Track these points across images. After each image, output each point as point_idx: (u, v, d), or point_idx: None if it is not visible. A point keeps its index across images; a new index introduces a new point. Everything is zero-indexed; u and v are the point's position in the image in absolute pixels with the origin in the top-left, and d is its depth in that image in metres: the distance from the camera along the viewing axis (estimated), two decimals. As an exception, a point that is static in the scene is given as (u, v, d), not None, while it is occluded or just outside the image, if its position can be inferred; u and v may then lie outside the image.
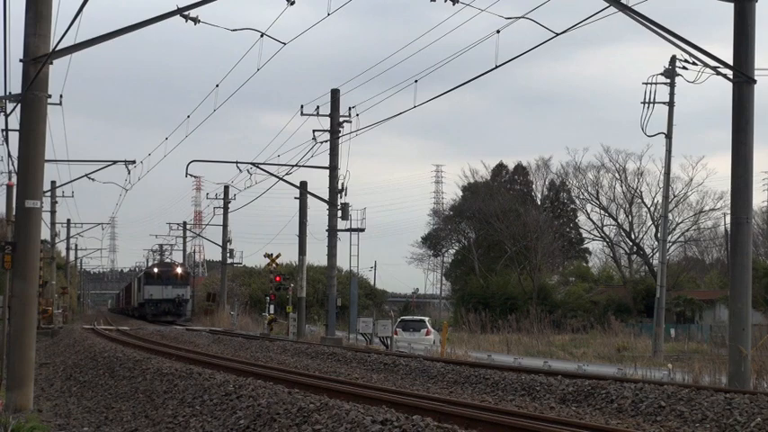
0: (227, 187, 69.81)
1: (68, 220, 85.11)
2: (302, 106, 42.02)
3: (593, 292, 79.83)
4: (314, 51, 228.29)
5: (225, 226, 71.37)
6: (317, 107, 42.10)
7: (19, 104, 16.86)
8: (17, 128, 17.05)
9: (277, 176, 43.98)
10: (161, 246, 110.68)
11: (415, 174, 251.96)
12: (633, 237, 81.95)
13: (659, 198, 68.94)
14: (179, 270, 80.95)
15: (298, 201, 47.90)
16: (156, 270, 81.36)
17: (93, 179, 42.34)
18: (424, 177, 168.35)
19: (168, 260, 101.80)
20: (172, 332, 50.15)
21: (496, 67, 21.57)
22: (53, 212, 68.81)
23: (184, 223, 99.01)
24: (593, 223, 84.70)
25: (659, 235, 55.57)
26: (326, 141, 42.17)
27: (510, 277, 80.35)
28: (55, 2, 16.59)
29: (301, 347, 29.62)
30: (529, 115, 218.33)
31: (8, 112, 24.32)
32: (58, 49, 16.18)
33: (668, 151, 42.54)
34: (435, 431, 10.39)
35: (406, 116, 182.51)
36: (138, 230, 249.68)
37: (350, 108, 41.93)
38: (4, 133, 36.01)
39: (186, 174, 46.52)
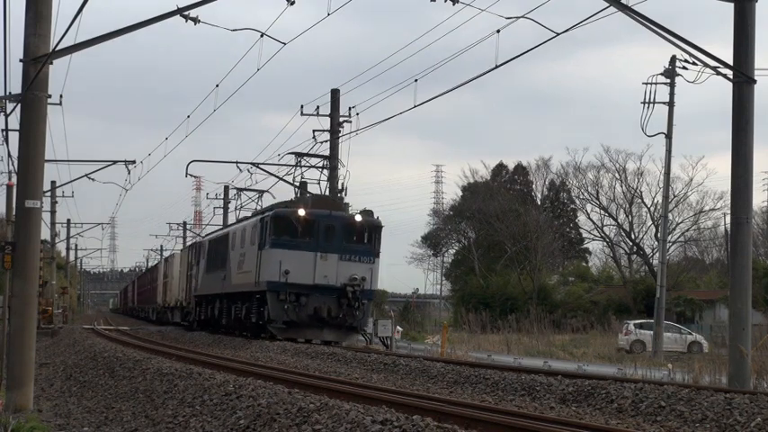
0: (227, 187, 69.69)
1: (68, 220, 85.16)
2: (302, 106, 41.97)
3: (593, 292, 79.85)
4: (314, 51, 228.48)
5: (225, 226, 71.30)
6: (317, 107, 42.08)
7: (19, 104, 16.87)
8: (17, 128, 17.06)
9: (277, 176, 43.97)
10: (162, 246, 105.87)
11: (415, 174, 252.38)
12: (633, 237, 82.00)
13: (659, 198, 69.00)
14: (357, 218, 34.75)
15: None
16: (302, 214, 33.97)
17: (93, 179, 42.42)
18: (424, 177, 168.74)
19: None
20: (172, 332, 50.09)
21: (496, 66, 21.59)
22: (53, 212, 68.80)
23: (184, 223, 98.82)
24: (593, 223, 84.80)
25: (659, 235, 55.61)
26: (326, 141, 42.17)
27: (510, 277, 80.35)
28: (55, 2, 16.60)
29: (301, 347, 29.59)
30: (529, 115, 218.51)
31: (8, 112, 24.36)
32: (58, 49, 16.18)
33: (668, 151, 42.59)
34: (435, 431, 10.38)
35: (406, 116, 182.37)
36: (138, 230, 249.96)
37: (350, 108, 41.86)
38: (4, 133, 36.05)
39: (186, 174, 46.36)
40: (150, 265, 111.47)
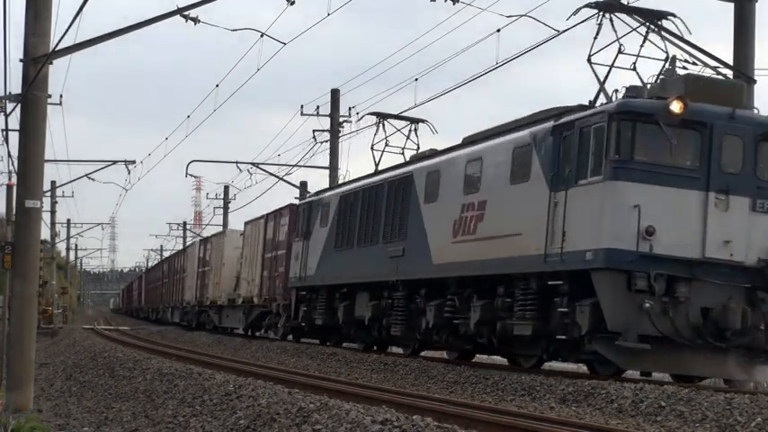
0: (227, 187, 69.74)
1: (68, 220, 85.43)
2: (302, 106, 42.00)
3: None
4: (314, 51, 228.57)
5: (225, 226, 71.34)
6: (317, 107, 42.10)
7: (19, 104, 16.88)
8: (17, 128, 17.08)
9: (277, 176, 44.11)
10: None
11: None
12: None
13: (659, 198, 69.03)
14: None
15: (297, 201, 47.87)
16: (678, 110, 16.52)
17: (93, 179, 42.60)
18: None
19: None
20: (172, 332, 50.11)
21: (497, 66, 21.54)
22: (53, 212, 68.89)
23: (184, 223, 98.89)
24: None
25: (659, 235, 55.57)
26: (326, 141, 42.19)
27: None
28: (55, 2, 16.60)
29: (301, 347, 29.57)
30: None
31: (8, 112, 24.43)
32: (58, 49, 16.18)
33: (668, 151, 42.56)
34: (435, 431, 10.38)
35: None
36: (138, 230, 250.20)
37: (350, 108, 41.83)
38: (4, 133, 36.15)
39: (186, 174, 46.45)
40: (150, 264, 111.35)
